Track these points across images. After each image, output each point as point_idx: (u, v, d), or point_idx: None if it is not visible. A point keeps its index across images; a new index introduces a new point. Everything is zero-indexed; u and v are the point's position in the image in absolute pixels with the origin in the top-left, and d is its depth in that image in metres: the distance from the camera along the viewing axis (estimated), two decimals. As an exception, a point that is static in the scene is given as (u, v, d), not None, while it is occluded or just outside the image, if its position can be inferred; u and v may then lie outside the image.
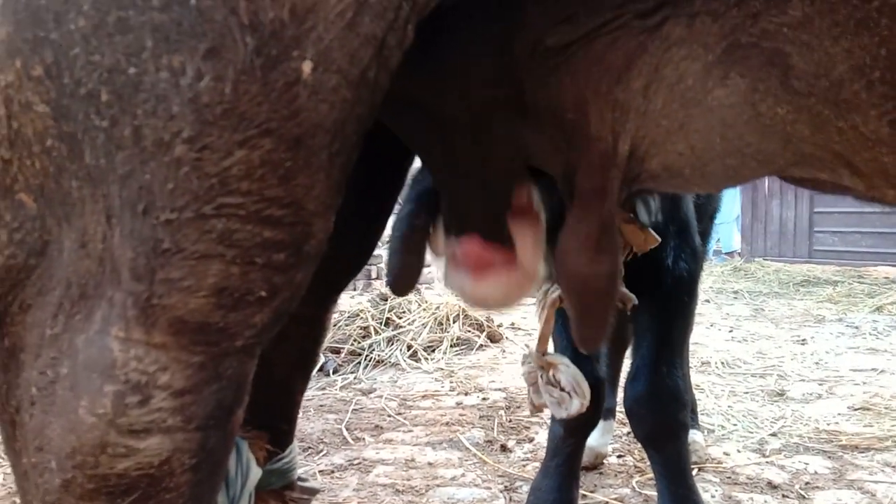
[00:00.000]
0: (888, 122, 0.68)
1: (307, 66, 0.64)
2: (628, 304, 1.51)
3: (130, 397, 0.70)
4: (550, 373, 1.43)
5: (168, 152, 0.65)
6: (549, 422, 3.09)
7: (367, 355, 4.26)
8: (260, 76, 0.63)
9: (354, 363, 4.20)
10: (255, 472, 0.93)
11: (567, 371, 1.40)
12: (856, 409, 3.24)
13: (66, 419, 0.71)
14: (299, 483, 1.17)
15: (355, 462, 2.71)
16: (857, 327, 5.31)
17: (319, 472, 2.58)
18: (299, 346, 1.11)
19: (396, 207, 1.19)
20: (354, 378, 3.98)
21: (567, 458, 1.85)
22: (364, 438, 2.99)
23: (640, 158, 0.80)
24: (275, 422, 1.09)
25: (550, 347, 1.53)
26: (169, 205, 0.66)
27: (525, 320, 5.59)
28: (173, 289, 0.68)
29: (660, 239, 1.23)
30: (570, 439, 1.85)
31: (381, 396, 3.60)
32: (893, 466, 2.56)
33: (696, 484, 1.90)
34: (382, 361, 4.25)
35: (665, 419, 1.64)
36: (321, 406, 3.45)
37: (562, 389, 1.41)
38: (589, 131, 0.81)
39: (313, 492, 1.22)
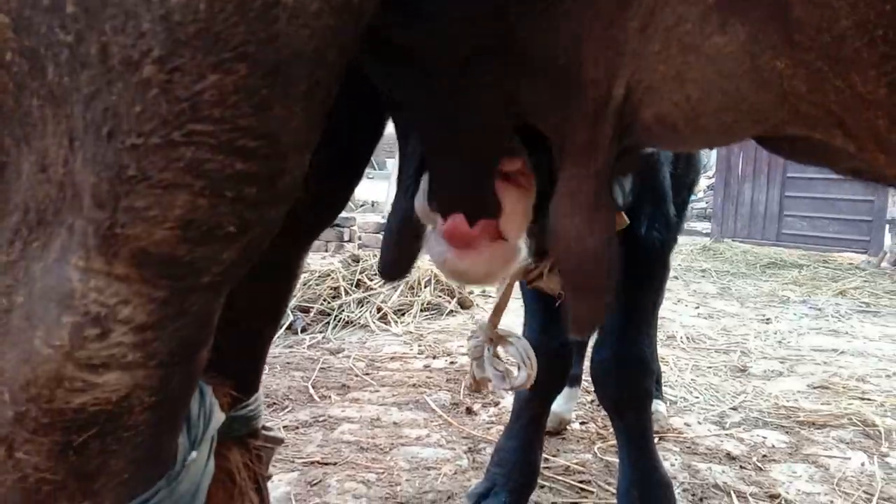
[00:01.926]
0: (887, 83, 0.66)
1: (288, -12, 0.61)
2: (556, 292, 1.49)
3: (89, 330, 0.67)
4: (498, 346, 1.42)
5: (136, 73, 0.61)
6: (515, 387, 3.12)
7: (336, 315, 4.24)
8: (237, -6, 0.59)
9: (323, 323, 4.19)
10: (218, 417, 0.91)
11: (518, 343, 1.39)
12: (815, 388, 3.31)
13: (20, 350, 0.68)
14: (263, 432, 1.16)
15: (320, 419, 2.70)
16: (820, 309, 5.42)
17: (284, 427, 2.57)
18: (269, 292, 1.08)
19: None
20: (323, 337, 3.97)
21: (531, 420, 1.86)
22: (330, 396, 2.99)
23: (635, 106, 0.77)
24: (241, 368, 1.06)
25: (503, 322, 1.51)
26: (136, 129, 0.63)
27: (494, 289, 5.60)
28: (137, 218, 0.65)
29: (628, 221, 1.22)
30: (535, 401, 1.86)
31: (348, 356, 3.60)
32: (847, 443, 2.62)
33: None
34: (352, 322, 4.24)
35: (629, 386, 1.65)
36: (288, 363, 3.44)
37: (508, 364, 1.40)
38: (583, 74, 0.77)
39: (277, 441, 1.20)
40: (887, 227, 9.95)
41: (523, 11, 0.79)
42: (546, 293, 1.29)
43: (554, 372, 1.76)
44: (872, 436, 2.68)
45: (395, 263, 1.10)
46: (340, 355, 3.64)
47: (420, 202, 1.04)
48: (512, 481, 1.82)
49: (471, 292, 4.91)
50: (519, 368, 1.30)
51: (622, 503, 1.73)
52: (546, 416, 1.92)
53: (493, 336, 1.34)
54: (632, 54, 0.74)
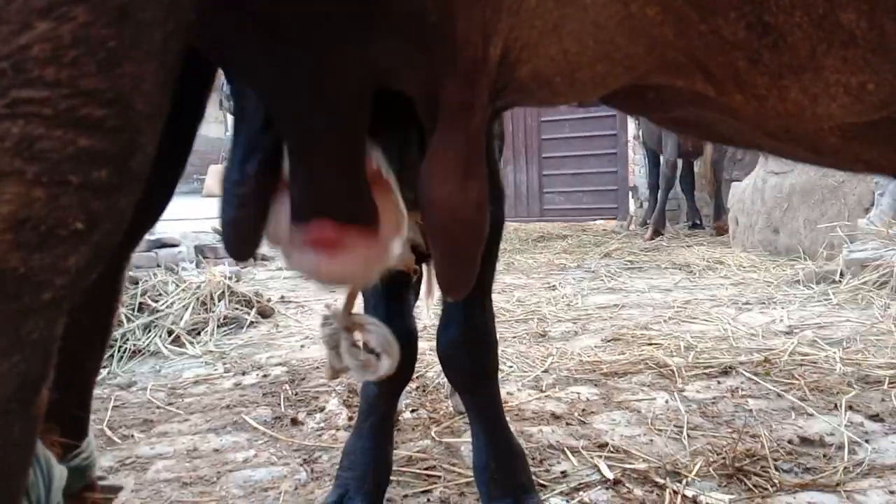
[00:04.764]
0: (745, 25, 0.70)
1: None
2: (412, 268, 1.45)
3: None
4: (355, 334, 1.33)
5: (-73, 22, 0.45)
6: (338, 388, 3.01)
7: (120, 346, 3.81)
8: (71, -88, 0.46)
9: (107, 356, 3.74)
10: (59, 472, 0.73)
11: (377, 331, 1.30)
12: (608, 341, 3.60)
13: None
14: (100, 482, 0.97)
15: (127, 462, 2.40)
16: (594, 271, 5.92)
17: (86, 479, 2.24)
18: (94, 312, 0.90)
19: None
20: (109, 372, 3.54)
21: (381, 419, 1.78)
22: (133, 435, 2.66)
23: (511, 65, 0.74)
24: (67, 408, 0.87)
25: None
26: (-67, 100, 0.46)
27: (294, 293, 5.41)
28: (-53, 222, 0.49)
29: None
30: (385, 397, 1.78)
31: (144, 389, 3.24)
32: (648, 385, 2.87)
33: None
34: (140, 351, 3.83)
35: (480, 362, 1.64)
36: (73, 407, 3.02)
37: (370, 351, 1.31)
38: (456, 35, 0.72)
39: (116, 490, 1.01)
40: (630, 193, 11.20)
41: None
42: (399, 274, 1.22)
43: (404, 363, 1.69)
44: (667, 375, 2.96)
45: (242, 243, 0.96)
46: (134, 389, 3.27)
47: (278, 225, 0.93)
48: (367, 484, 1.73)
49: (269, 300, 4.68)
50: (380, 357, 1.22)
51: (480, 479, 1.72)
52: (395, 410, 1.85)
53: (348, 324, 1.24)
54: (508, 11, 0.71)
